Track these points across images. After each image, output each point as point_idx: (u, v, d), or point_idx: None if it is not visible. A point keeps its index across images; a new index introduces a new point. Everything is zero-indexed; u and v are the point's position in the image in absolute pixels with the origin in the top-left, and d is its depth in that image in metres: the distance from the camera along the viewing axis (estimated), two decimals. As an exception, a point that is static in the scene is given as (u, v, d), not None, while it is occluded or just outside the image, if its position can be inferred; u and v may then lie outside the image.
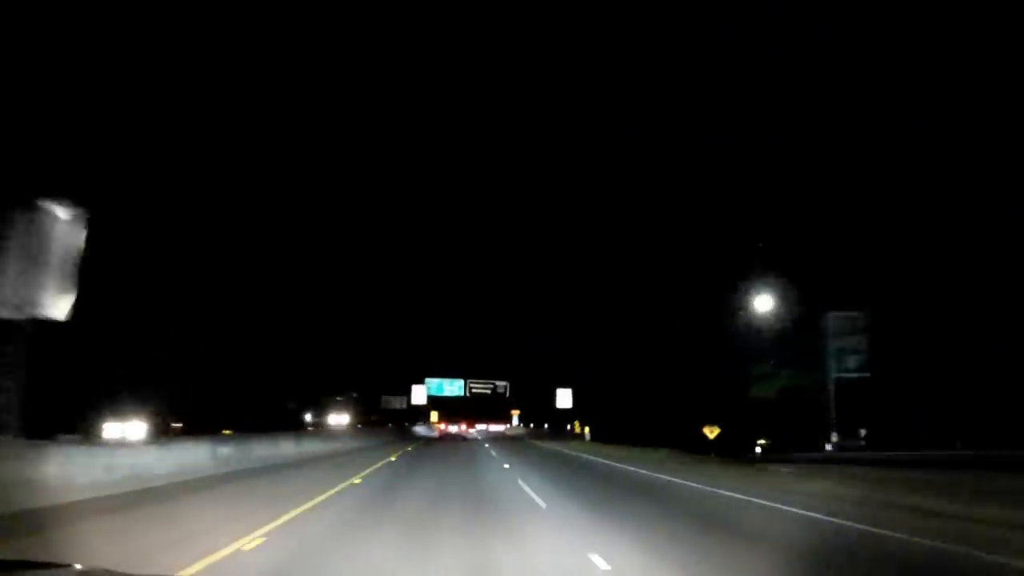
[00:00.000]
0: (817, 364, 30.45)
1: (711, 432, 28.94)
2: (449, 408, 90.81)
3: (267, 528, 8.94)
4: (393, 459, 25.29)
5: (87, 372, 29.99)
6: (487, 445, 43.32)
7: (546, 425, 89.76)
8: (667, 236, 51.74)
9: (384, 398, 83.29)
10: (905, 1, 35.29)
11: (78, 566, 3.26)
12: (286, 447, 24.02)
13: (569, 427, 70.65)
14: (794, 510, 11.88)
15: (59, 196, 11.64)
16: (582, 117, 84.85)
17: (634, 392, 57.84)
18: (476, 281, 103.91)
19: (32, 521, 8.58)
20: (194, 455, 16.86)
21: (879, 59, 35.24)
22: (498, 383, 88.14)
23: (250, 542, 7.96)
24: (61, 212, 11.46)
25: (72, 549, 7.20)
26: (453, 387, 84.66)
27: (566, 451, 36.93)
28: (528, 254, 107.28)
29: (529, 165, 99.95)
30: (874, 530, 9.79)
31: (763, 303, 33.01)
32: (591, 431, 57.17)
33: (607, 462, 25.71)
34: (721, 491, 14.98)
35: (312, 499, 12.08)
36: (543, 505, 12.23)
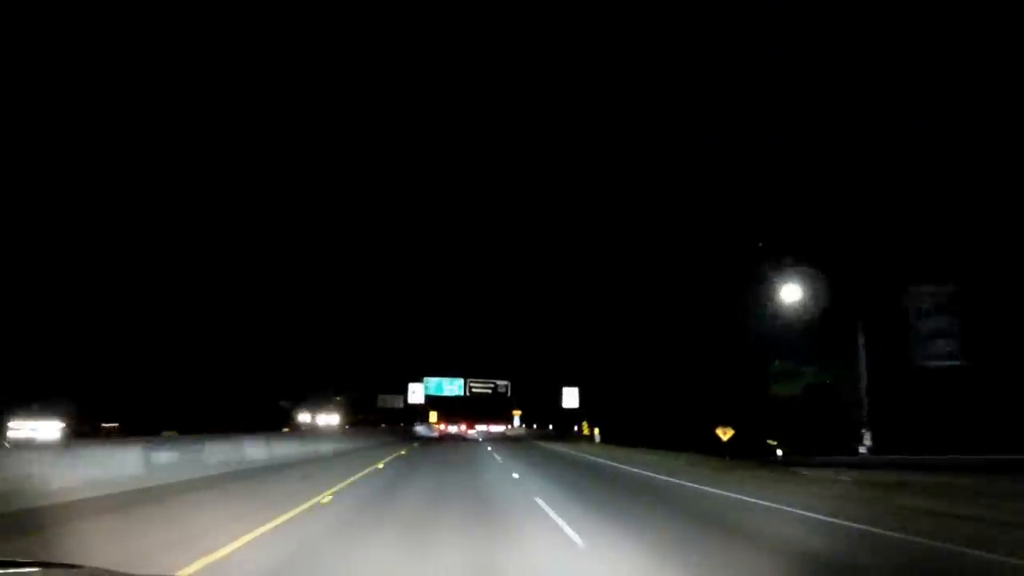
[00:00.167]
0: (846, 359, 28.56)
1: (724, 433, 26.61)
2: (448, 408, 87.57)
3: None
4: (380, 466, 21.45)
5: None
6: (489, 448, 39.43)
7: (550, 426, 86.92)
8: (669, 234, 50.55)
9: (381, 397, 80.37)
10: (905, 1, 35.74)
11: (78, 566, 3.15)
12: (252, 451, 20.22)
13: (576, 428, 66.88)
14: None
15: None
16: (582, 117, 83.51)
17: (642, 391, 55.32)
18: (476, 278, 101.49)
19: None
20: (120, 461, 13.52)
21: (879, 59, 35.55)
22: (499, 382, 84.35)
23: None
24: None
25: None
26: (453, 386, 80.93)
27: (579, 455, 32.91)
28: (529, 251, 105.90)
29: (529, 164, 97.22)
30: None
31: (790, 294, 30.73)
32: (600, 432, 53.32)
33: (635, 470, 21.69)
34: (794, 509, 11.06)
35: (236, 538, 8.21)
36: (580, 543, 8.37)
